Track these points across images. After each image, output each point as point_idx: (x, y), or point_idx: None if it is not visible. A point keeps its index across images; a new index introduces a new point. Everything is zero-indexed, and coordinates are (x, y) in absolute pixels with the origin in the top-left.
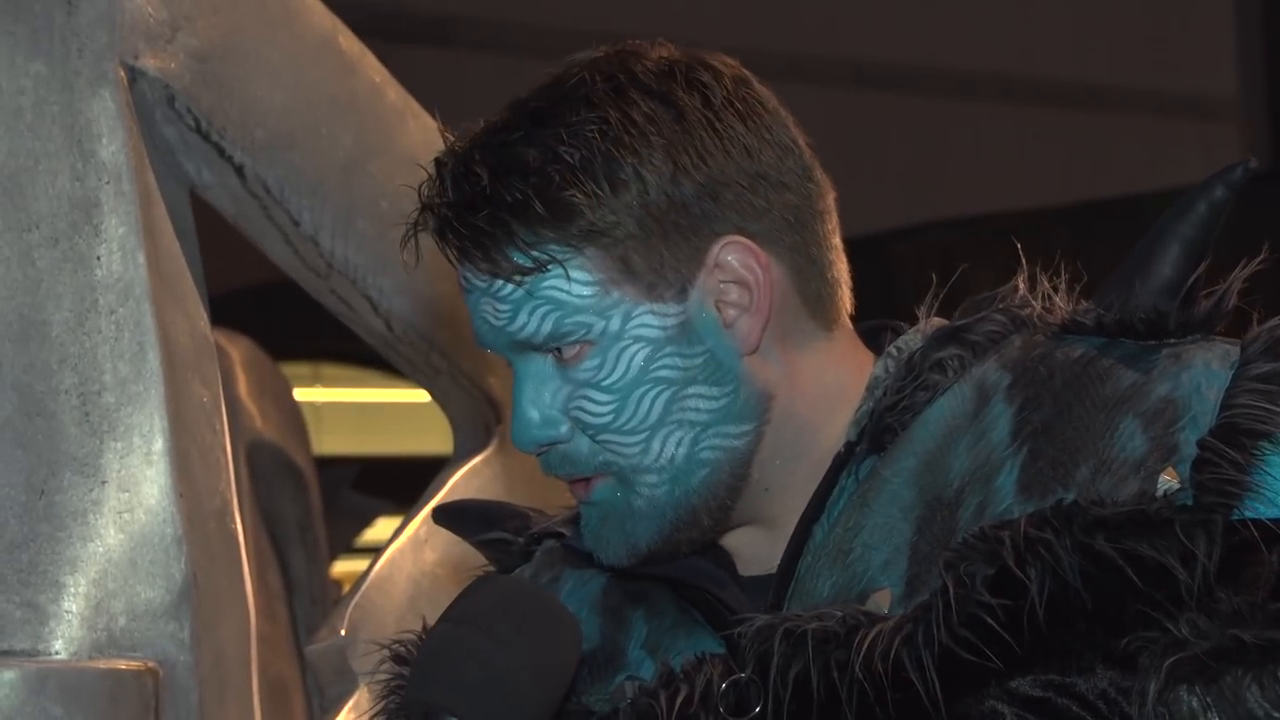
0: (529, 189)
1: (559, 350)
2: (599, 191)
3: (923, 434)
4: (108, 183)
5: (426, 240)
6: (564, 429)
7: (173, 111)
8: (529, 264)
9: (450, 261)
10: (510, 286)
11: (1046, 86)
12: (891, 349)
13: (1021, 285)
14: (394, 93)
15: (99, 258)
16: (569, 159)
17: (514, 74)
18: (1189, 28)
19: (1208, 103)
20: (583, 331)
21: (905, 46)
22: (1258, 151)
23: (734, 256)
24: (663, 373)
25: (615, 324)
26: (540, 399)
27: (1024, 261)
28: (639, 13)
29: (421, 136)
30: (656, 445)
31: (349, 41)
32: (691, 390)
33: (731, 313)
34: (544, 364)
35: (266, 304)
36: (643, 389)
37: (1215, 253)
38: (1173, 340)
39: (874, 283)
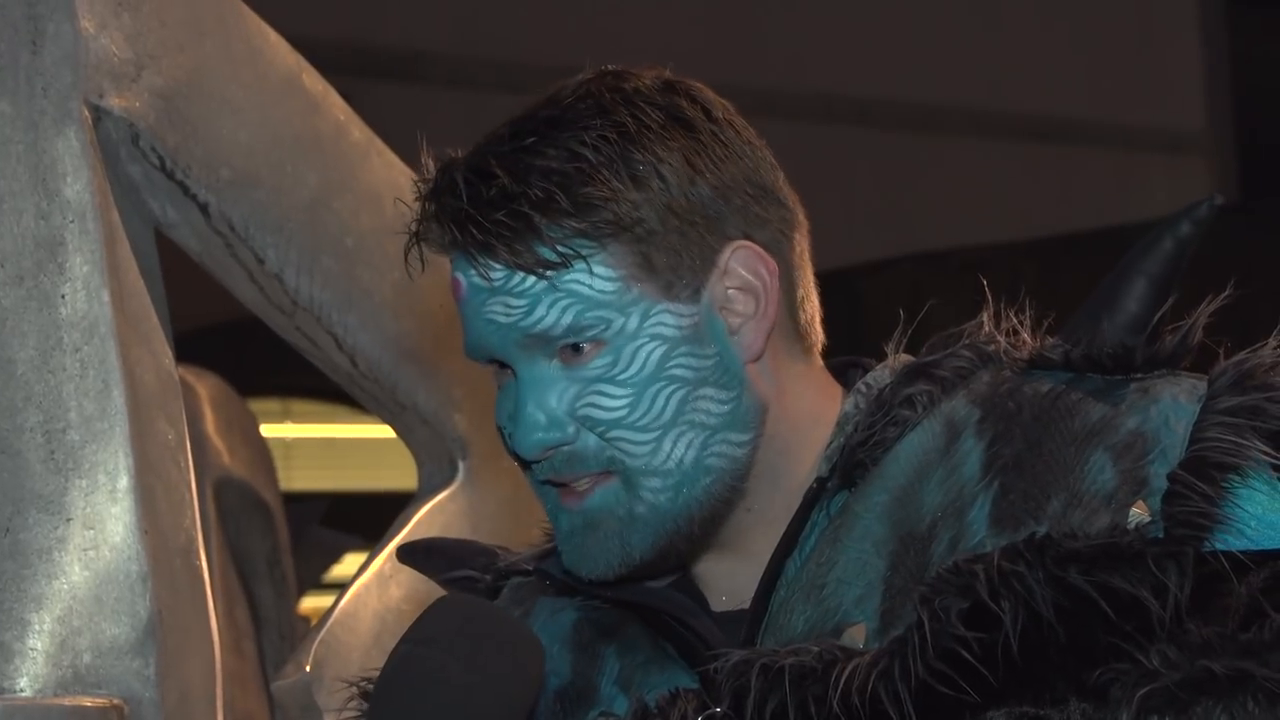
0: (551, 186)
1: (572, 348)
2: (620, 187)
3: (894, 469)
4: (72, 221)
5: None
6: (570, 430)
7: (137, 150)
8: (554, 258)
9: (463, 261)
10: (531, 279)
11: (1015, 120)
12: (861, 385)
13: (987, 322)
14: (358, 130)
15: (64, 296)
16: (590, 157)
17: (483, 110)
18: (1157, 62)
19: (1176, 136)
20: (601, 327)
21: (874, 80)
22: (1225, 185)
23: (742, 263)
24: (677, 371)
25: (634, 321)
26: (545, 402)
27: (989, 298)
28: (608, 49)
29: (385, 174)
30: (667, 445)
31: (313, 80)
32: (703, 392)
33: (735, 320)
34: (548, 367)
35: (236, 340)
36: (658, 386)
37: (1185, 286)
38: (1139, 375)
39: (842, 317)
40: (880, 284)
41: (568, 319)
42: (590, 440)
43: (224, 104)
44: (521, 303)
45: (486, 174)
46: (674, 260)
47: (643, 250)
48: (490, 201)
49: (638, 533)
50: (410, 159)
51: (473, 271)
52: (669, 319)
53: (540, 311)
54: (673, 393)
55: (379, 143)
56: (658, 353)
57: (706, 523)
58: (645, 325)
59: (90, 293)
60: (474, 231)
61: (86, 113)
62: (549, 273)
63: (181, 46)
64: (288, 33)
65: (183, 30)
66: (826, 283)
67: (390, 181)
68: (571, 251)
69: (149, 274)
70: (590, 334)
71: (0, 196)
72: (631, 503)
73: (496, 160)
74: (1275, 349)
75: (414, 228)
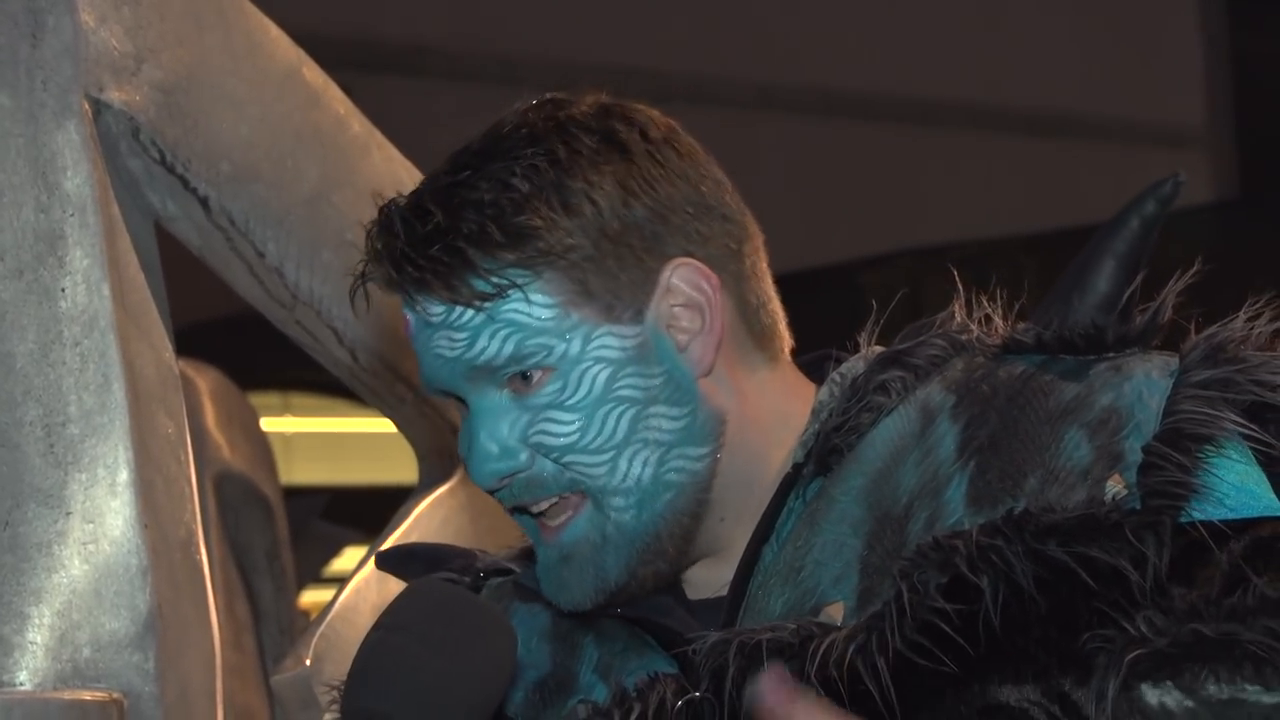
0: (484, 218)
1: (520, 377)
2: (553, 215)
3: (870, 453)
4: (72, 215)
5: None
6: (523, 457)
7: (137, 144)
8: (490, 289)
9: (406, 299)
10: (470, 313)
11: (1015, 115)
12: (835, 375)
13: (958, 312)
14: (358, 124)
15: (63, 289)
16: (521, 188)
17: (485, 104)
18: (1158, 57)
19: (1176, 131)
20: (544, 354)
21: (874, 75)
22: (1226, 180)
23: (684, 280)
24: (625, 392)
25: (576, 346)
26: (497, 432)
27: (961, 288)
28: (609, 45)
29: (386, 168)
30: (624, 464)
31: (313, 73)
32: (654, 410)
33: (683, 337)
34: (498, 398)
35: (236, 334)
36: (606, 407)
37: (1191, 280)
38: (1111, 354)
39: (841, 311)
40: (879, 278)
41: (509, 348)
42: (547, 465)
43: (224, 98)
44: (463, 335)
45: (422, 211)
46: (612, 283)
47: (578, 276)
48: (425, 238)
49: (610, 555)
50: (411, 153)
51: (418, 308)
52: (612, 340)
53: (482, 343)
54: (623, 413)
55: (379, 136)
56: (604, 375)
57: (678, 539)
58: (589, 349)
59: (90, 286)
60: (410, 270)
61: (86, 106)
62: (485, 304)
63: (181, 40)
64: (288, 26)
65: (183, 24)
66: (825, 276)
67: (391, 175)
68: (506, 281)
69: (149, 268)
70: (533, 361)
71: (0, 190)
72: (603, 524)
73: (430, 196)
74: (1245, 323)
75: (360, 269)
